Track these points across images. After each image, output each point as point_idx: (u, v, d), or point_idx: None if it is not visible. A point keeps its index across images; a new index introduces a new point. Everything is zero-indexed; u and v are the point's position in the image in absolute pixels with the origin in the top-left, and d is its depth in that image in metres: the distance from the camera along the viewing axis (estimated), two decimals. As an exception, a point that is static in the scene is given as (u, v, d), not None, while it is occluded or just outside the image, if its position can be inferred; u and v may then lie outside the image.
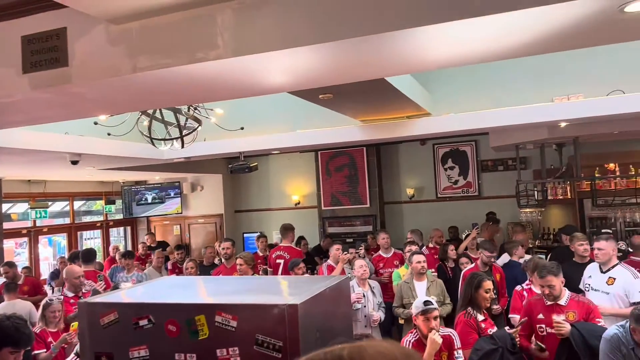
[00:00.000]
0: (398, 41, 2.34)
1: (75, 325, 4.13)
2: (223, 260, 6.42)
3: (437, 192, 10.46)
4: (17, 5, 2.71)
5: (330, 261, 6.13)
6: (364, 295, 4.94)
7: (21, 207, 10.00)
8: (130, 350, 1.86)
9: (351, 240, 9.34)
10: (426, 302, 3.38)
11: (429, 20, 2.13)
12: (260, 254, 8.10)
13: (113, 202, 11.55)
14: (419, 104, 5.61)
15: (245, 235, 11.46)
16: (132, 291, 2.61)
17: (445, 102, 6.19)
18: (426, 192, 10.56)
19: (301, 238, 8.70)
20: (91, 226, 11.66)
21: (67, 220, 11.01)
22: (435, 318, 3.30)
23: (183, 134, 5.12)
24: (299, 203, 11.32)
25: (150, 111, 4.84)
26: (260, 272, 6.53)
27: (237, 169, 7.66)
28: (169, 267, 8.14)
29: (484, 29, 2.24)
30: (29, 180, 9.64)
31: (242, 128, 5.90)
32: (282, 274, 6.02)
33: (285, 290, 2.29)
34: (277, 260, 6.48)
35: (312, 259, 8.18)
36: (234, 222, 11.77)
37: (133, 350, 1.85)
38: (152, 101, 3.61)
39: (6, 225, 9.10)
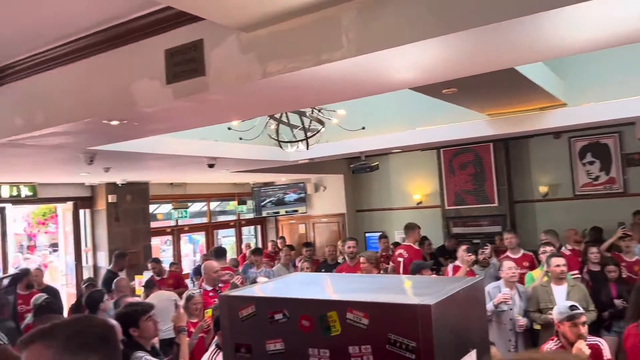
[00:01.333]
0: (531, 26, 2.18)
1: (209, 312, 4.44)
2: (347, 258, 6.51)
3: (575, 190, 9.63)
4: (160, 22, 2.97)
5: (458, 262, 5.93)
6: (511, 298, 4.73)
7: (165, 208, 11.03)
8: (266, 343, 1.93)
9: (477, 241, 8.95)
10: (572, 307, 3.12)
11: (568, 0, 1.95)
12: (383, 254, 8.08)
13: (244, 203, 12.28)
14: (553, 93, 5.20)
15: (367, 234, 11.52)
16: (265, 286, 2.73)
17: (583, 90, 5.65)
18: (562, 189, 9.77)
19: (424, 238, 8.53)
20: (225, 225, 12.50)
21: (205, 220, 11.92)
22: (583, 324, 3.03)
23: (307, 136, 5.27)
24: (420, 202, 11.11)
25: (277, 115, 5.05)
26: (382, 272, 6.51)
27: (358, 168, 7.73)
28: (297, 264, 8.43)
29: (636, 3, 2.00)
30: (172, 184, 10.59)
31: (363, 128, 5.92)
32: (402, 274, 5.95)
33: (415, 290, 2.24)
34: (398, 259, 6.43)
35: (436, 260, 7.97)
36: (355, 222, 11.88)
37: (269, 343, 1.92)
38: (280, 105, 3.76)
39: (153, 224, 10.09)
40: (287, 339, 1.90)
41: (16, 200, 8.03)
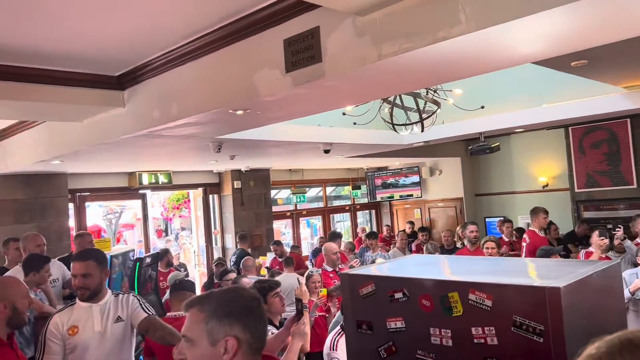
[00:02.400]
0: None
1: (324, 291, 4.59)
2: (466, 243, 6.33)
3: None
4: (278, 13, 3.10)
5: (591, 248, 5.50)
6: None
7: (284, 193, 11.52)
8: (387, 321, 1.97)
9: (610, 226, 8.20)
10: None
11: None
12: (506, 239, 7.72)
13: (359, 187, 12.41)
14: None
15: (487, 219, 11.07)
16: (383, 266, 2.76)
17: None
18: None
19: (550, 223, 7.99)
20: (341, 209, 12.76)
21: (321, 204, 12.26)
22: None
23: (422, 118, 5.18)
24: (546, 185, 10.41)
25: (391, 98, 5.03)
26: (505, 258, 6.24)
27: (477, 150, 7.43)
28: (413, 248, 8.38)
29: None
30: (290, 170, 11.02)
31: (482, 107, 5.68)
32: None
33: (542, 273, 2.13)
34: (522, 244, 6.12)
35: (565, 247, 7.45)
36: (474, 206, 11.47)
37: (390, 321, 1.96)
38: (395, 87, 3.74)
39: (274, 208, 10.60)
40: (407, 317, 1.92)
41: (154, 187, 8.88)
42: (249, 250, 8.61)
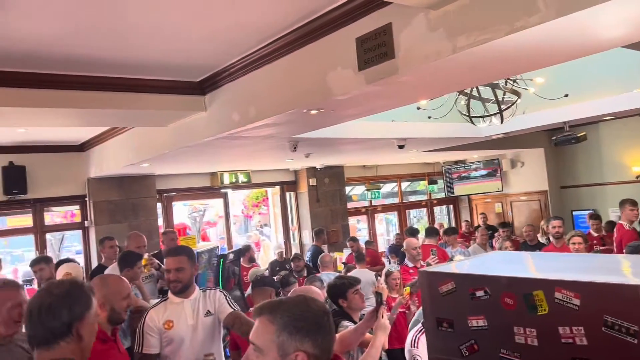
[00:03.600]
0: None
1: (407, 289, 4.57)
2: (552, 239, 6.05)
3: None
4: (350, 13, 3.13)
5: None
6: None
7: (359, 189, 11.54)
8: (468, 319, 1.94)
9: None
10: None
11: None
12: (595, 235, 7.30)
13: (435, 182, 12.18)
14: None
15: (574, 213, 10.49)
16: (462, 264, 2.71)
17: None
18: None
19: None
20: (417, 205, 12.59)
21: (396, 200, 12.16)
22: None
23: (502, 108, 5.01)
24: (640, 175, 9.70)
25: (467, 90, 4.90)
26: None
27: (562, 140, 7.07)
28: (494, 244, 8.11)
29: None
30: (364, 166, 11.02)
31: (566, 95, 5.39)
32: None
33: (637, 270, 2.01)
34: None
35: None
36: (560, 199, 10.90)
37: (471, 319, 1.93)
38: (471, 80, 3.65)
39: (349, 205, 10.65)
40: (489, 316, 1.89)
41: (235, 186, 9.22)
42: (324, 247, 8.72)
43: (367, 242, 9.16)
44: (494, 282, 1.89)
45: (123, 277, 2.99)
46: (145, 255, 4.67)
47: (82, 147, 7.41)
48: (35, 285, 6.67)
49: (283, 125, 4.50)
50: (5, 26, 2.99)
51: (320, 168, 9.77)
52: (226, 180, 8.92)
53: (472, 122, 5.36)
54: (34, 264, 4.90)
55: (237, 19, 3.23)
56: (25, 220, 7.75)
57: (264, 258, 10.34)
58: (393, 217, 12.40)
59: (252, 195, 12.16)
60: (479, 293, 1.91)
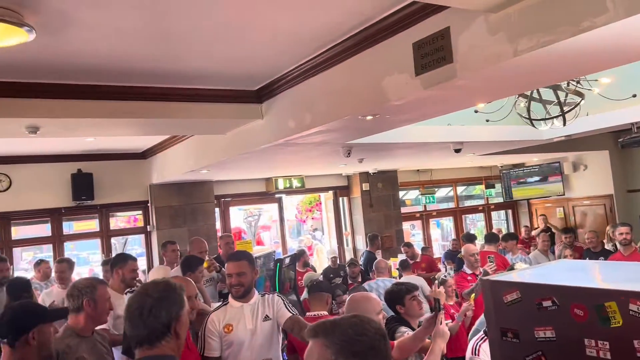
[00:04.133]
0: None
1: (472, 297, 4.47)
2: (619, 246, 5.76)
3: None
4: (406, 18, 3.11)
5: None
6: None
7: (413, 194, 11.40)
8: (535, 330, 1.89)
9: None
10: None
11: None
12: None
13: (492, 186, 11.86)
14: None
15: (643, 218, 9.93)
16: (524, 272, 2.64)
17: None
18: None
19: None
20: (473, 210, 12.29)
21: (452, 205, 11.92)
22: None
23: (564, 110, 4.83)
24: None
25: (527, 92, 4.76)
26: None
27: (629, 142, 6.73)
28: (556, 251, 7.80)
29: None
30: (418, 170, 10.88)
31: (634, 95, 5.13)
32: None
33: None
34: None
35: None
36: (627, 204, 10.35)
37: (538, 329, 1.87)
38: (533, 82, 3.55)
39: (403, 210, 10.54)
40: (558, 327, 1.83)
41: (289, 191, 9.34)
42: (378, 252, 8.66)
43: (423, 249, 9.04)
44: (563, 292, 1.83)
45: (189, 279, 3.09)
46: (207, 258, 4.81)
47: (145, 155, 7.73)
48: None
49: (338, 132, 4.53)
50: (80, 43, 3.17)
51: (373, 173, 9.73)
52: (280, 186, 9.04)
53: (533, 125, 5.19)
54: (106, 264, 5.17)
55: (294, 28, 3.29)
56: (89, 224, 8.15)
57: (317, 262, 10.39)
58: (448, 222, 12.17)
59: (306, 200, 12.25)
60: (547, 303, 1.85)
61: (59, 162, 7.18)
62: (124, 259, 4.19)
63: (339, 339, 1.39)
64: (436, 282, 3.61)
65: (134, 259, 4.25)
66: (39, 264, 6.10)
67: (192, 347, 2.81)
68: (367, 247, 9.01)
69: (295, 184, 9.18)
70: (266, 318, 3.05)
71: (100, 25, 2.94)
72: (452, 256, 8.33)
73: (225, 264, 3.20)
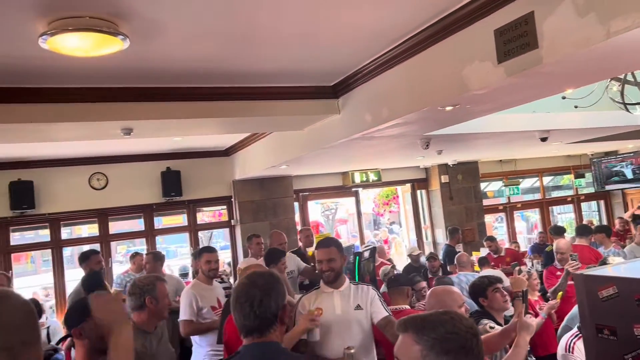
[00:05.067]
0: None
1: (560, 294, 4.28)
2: None
3: None
4: (487, 5, 3.02)
5: None
6: None
7: (495, 186, 11.01)
8: (634, 327, 1.79)
9: None
10: None
11: None
12: None
13: (582, 176, 11.19)
14: None
15: None
16: (619, 267, 2.49)
17: None
18: None
19: None
20: (561, 201, 11.67)
21: (537, 196, 11.38)
22: None
23: (663, 93, 4.47)
24: None
25: (621, 75, 4.45)
26: None
27: None
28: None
29: None
30: (500, 161, 10.48)
31: None
32: None
33: None
34: None
35: None
36: None
37: (638, 327, 1.77)
38: (627, 65, 3.32)
39: (484, 202, 10.22)
40: (661, 325, 1.72)
41: (365, 184, 9.35)
42: (458, 246, 8.46)
43: (513, 243, 8.71)
44: (666, 289, 1.71)
45: (274, 271, 3.21)
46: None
47: (228, 152, 8.04)
48: (190, 278, 7.39)
49: (415, 124, 4.47)
50: (168, 48, 3.37)
51: (452, 164, 9.50)
52: (357, 179, 9.07)
53: (627, 110, 4.85)
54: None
55: (370, 22, 3.29)
56: (177, 219, 8.62)
57: (395, 256, 10.33)
58: (534, 214, 11.64)
59: (383, 193, 12.21)
60: (648, 300, 1.74)
61: (149, 161, 7.64)
62: (199, 253, 4.44)
63: (429, 336, 1.39)
64: (517, 268, 3.43)
65: (210, 251, 4.43)
66: (134, 256, 6.55)
67: None
68: (447, 240, 8.84)
69: (372, 177, 9.17)
70: (358, 307, 3.10)
71: (187, 30, 3.11)
72: (539, 250, 7.98)
73: (315, 251, 3.29)
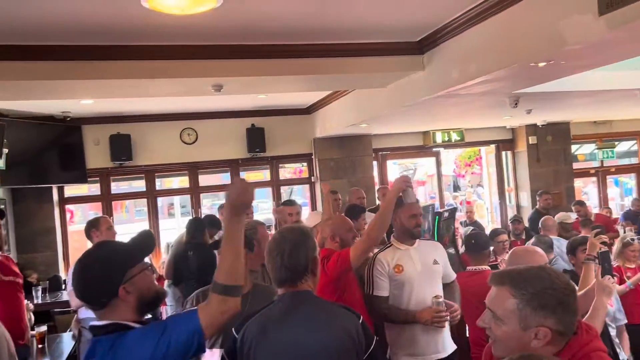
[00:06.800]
0: None
1: None
2: None
3: None
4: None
5: None
6: None
7: (588, 148, 10.38)
8: None
9: None
10: None
11: None
12: None
13: (688, 139, 10.26)
14: None
15: None
16: None
17: None
18: None
19: None
20: (662, 166, 10.81)
21: (634, 161, 10.62)
22: None
23: None
24: None
25: None
26: None
27: None
28: None
29: None
30: (595, 122, 9.83)
31: None
32: None
33: None
34: None
35: None
36: None
37: None
38: None
39: (575, 165, 9.69)
40: None
41: (447, 145, 9.14)
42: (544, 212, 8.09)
43: (602, 208, 8.24)
44: None
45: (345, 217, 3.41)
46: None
47: (309, 110, 8.16)
48: (273, 231, 7.72)
49: (505, 81, 4.32)
50: (257, 6, 3.46)
51: (542, 125, 9.03)
52: (438, 139, 8.88)
53: None
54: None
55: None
56: (259, 175, 8.94)
57: (477, 218, 10.12)
58: (630, 179, 10.89)
59: (465, 154, 11.89)
60: None
61: (235, 118, 7.93)
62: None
63: (527, 289, 1.41)
64: (593, 231, 3.28)
65: (292, 204, 4.95)
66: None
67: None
68: (538, 204, 8.47)
69: (455, 137, 8.94)
70: (435, 262, 3.19)
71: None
72: (633, 217, 7.53)
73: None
